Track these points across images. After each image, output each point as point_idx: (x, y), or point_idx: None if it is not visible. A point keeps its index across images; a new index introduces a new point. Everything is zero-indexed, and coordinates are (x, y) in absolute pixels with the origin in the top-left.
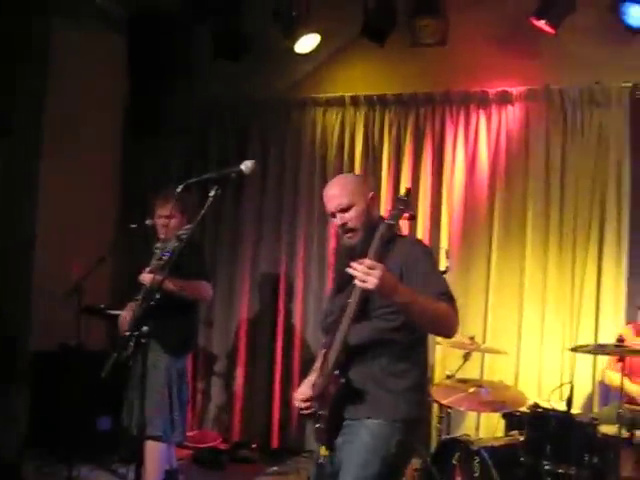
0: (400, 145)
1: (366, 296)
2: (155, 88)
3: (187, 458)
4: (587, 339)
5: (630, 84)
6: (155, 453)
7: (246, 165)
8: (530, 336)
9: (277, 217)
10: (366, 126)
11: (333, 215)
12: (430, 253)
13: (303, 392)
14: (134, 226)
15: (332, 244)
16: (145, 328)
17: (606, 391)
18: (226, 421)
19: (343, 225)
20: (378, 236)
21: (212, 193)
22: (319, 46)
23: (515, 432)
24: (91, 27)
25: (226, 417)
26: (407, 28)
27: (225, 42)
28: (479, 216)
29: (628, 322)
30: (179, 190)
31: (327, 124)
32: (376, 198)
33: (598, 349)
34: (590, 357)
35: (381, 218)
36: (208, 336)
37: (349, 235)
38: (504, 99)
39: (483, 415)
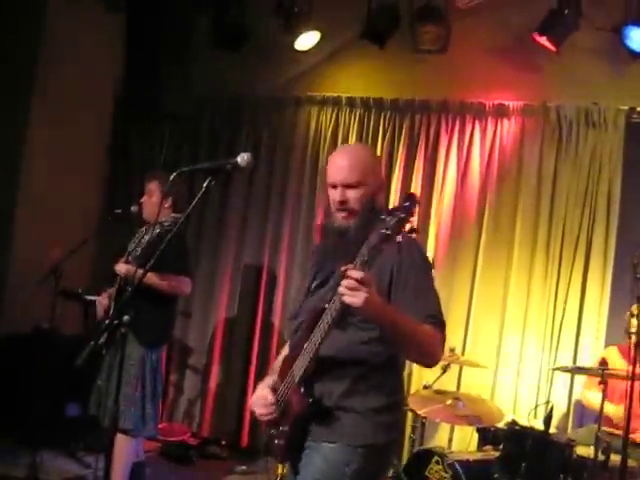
0: (393, 150)
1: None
2: (150, 72)
3: (155, 451)
4: (566, 358)
5: (627, 107)
6: (124, 446)
7: (242, 157)
8: (510, 351)
9: (263, 213)
10: (360, 128)
11: (334, 186)
12: (427, 260)
13: (263, 397)
14: (119, 211)
15: (317, 241)
16: (126, 317)
17: (582, 411)
18: (197, 416)
19: (342, 202)
20: (370, 245)
21: (205, 184)
22: (319, 44)
23: (489, 447)
24: (90, 6)
25: (197, 412)
26: (409, 33)
27: (225, 32)
28: (467, 228)
29: (613, 344)
30: (172, 177)
31: (321, 123)
32: (385, 186)
33: (581, 370)
34: (568, 376)
35: (382, 214)
36: (185, 328)
37: (344, 215)
38: (500, 112)
39: (457, 428)
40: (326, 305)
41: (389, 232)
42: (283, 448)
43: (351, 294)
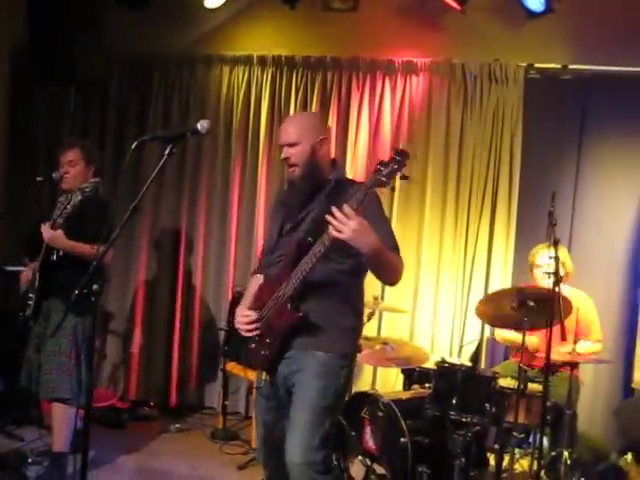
0: (306, 107)
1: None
2: (53, 34)
3: (83, 417)
4: (477, 298)
5: (525, 64)
6: (64, 415)
7: (202, 124)
8: (425, 295)
9: (178, 174)
10: (273, 87)
11: (281, 147)
12: (378, 196)
13: (247, 314)
14: (40, 179)
15: (235, 201)
16: (95, 286)
17: (493, 348)
18: (121, 380)
19: (286, 159)
20: (363, 187)
21: (167, 151)
22: (228, 1)
23: (416, 387)
24: None
25: (121, 376)
26: None
27: None
28: None
29: (520, 284)
30: (133, 147)
31: (233, 83)
32: (326, 142)
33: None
34: (478, 320)
35: (323, 165)
36: (104, 293)
37: (292, 169)
38: (409, 69)
39: (380, 370)
40: (310, 239)
41: (384, 179)
42: (267, 358)
43: (340, 227)
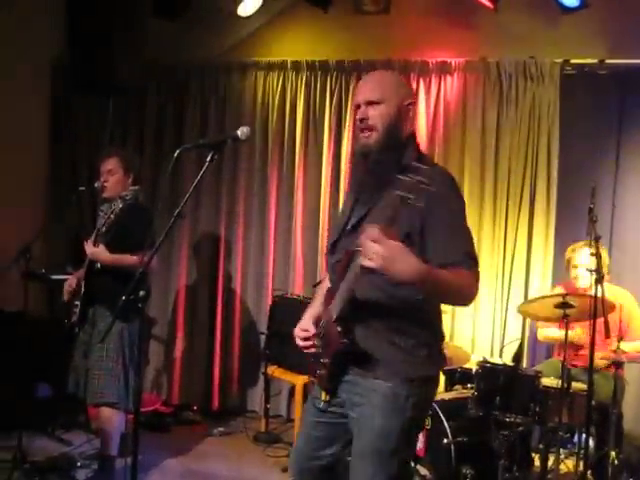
0: (341, 111)
1: None
2: (91, 45)
3: (130, 421)
4: (518, 298)
5: (561, 60)
6: (112, 420)
7: (242, 131)
8: None
9: (216, 180)
10: (307, 91)
11: (358, 107)
12: (459, 189)
13: (306, 326)
14: (82, 188)
15: (272, 206)
16: (142, 292)
17: (535, 347)
18: (165, 384)
19: (362, 120)
20: (396, 198)
21: (209, 158)
22: (262, 8)
23: (458, 387)
24: None
25: (164, 380)
26: None
27: (164, 0)
28: None
29: (559, 283)
30: (175, 155)
31: (268, 88)
32: (413, 110)
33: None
34: (520, 318)
35: (406, 143)
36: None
37: (365, 134)
38: (443, 69)
39: None
40: (358, 248)
41: (410, 196)
42: (325, 378)
43: (370, 255)
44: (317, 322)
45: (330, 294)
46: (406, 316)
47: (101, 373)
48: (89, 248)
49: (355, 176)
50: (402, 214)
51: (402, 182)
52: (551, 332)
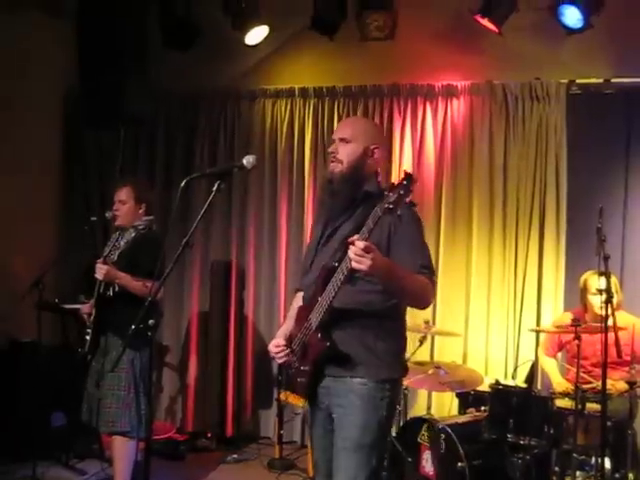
0: None
1: None
2: (103, 76)
3: (144, 450)
4: (529, 322)
5: (566, 80)
6: (124, 448)
7: (248, 160)
8: (477, 319)
9: (226, 208)
10: (315, 118)
11: (334, 141)
12: (420, 220)
13: (278, 342)
14: (94, 218)
15: (283, 233)
16: (151, 321)
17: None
18: (179, 412)
19: (332, 152)
20: (374, 216)
21: (215, 187)
22: (268, 37)
23: (472, 410)
24: (29, 12)
25: (178, 408)
26: (356, 22)
27: (173, 32)
28: (426, 206)
29: (568, 309)
30: (182, 185)
31: (276, 115)
32: (380, 155)
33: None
34: (533, 339)
35: (370, 178)
36: (159, 327)
37: (334, 164)
38: (449, 92)
39: (435, 395)
40: (335, 263)
41: (392, 206)
42: (305, 385)
43: (358, 260)
44: (290, 339)
45: (305, 311)
46: (379, 324)
47: (113, 402)
48: (101, 268)
49: (324, 197)
50: (374, 231)
51: (387, 196)
52: (547, 365)
